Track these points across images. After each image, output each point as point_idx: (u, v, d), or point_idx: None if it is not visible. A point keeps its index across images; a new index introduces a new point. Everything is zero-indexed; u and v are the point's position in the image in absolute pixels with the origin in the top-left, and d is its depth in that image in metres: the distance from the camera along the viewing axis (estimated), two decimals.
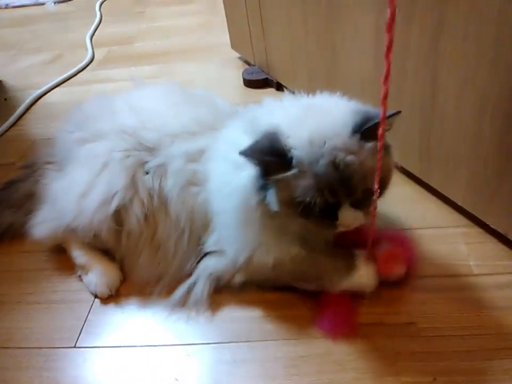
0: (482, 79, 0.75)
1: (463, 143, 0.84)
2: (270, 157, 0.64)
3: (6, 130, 1.44)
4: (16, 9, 2.60)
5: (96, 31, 2.08)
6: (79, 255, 0.91)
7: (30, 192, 1.00)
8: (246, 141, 0.67)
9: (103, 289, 0.86)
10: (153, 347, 0.79)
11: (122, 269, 0.90)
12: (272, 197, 0.67)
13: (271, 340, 0.76)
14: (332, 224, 0.66)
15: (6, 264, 0.97)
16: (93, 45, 1.93)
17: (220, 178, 0.78)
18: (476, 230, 0.90)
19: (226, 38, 1.60)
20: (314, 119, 0.66)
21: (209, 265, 0.82)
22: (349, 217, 0.65)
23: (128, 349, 0.79)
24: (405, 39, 0.86)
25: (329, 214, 0.65)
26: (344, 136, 0.64)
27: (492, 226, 0.86)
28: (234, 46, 1.60)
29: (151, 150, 0.85)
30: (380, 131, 0.59)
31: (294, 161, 0.64)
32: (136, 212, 0.83)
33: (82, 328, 0.83)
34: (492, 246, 0.86)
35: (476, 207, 0.88)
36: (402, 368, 0.70)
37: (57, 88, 1.66)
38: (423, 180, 0.99)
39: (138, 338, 0.81)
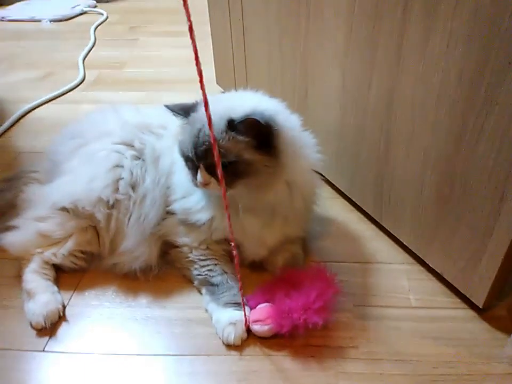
0: (425, 137, 0.87)
1: (409, 191, 0.96)
2: (178, 112, 0.87)
3: None
4: (12, 23, 2.66)
5: (89, 53, 2.17)
6: (29, 280, 0.93)
7: (12, 202, 1.05)
8: None
9: (39, 320, 0.88)
10: (117, 356, 0.85)
11: (110, 251, 0.98)
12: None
13: (228, 355, 0.83)
14: (196, 180, 0.84)
15: None
16: (85, 66, 2.02)
17: None
18: (417, 268, 1.00)
19: (212, 73, 1.71)
20: (223, 103, 0.85)
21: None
22: (201, 177, 0.82)
23: (94, 356, 0.85)
24: (364, 96, 0.99)
25: (194, 170, 0.84)
26: (219, 121, 0.80)
27: (431, 265, 0.97)
28: (219, 81, 1.71)
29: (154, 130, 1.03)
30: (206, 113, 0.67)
31: (188, 119, 0.86)
32: (126, 180, 0.96)
33: (51, 334, 0.88)
34: (431, 283, 0.97)
35: (418, 248, 1.00)
36: None
37: (46, 105, 1.72)
38: (376, 219, 1.10)
39: (105, 347, 0.86)
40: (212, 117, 0.78)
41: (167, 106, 0.88)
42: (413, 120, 0.89)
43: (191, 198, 0.93)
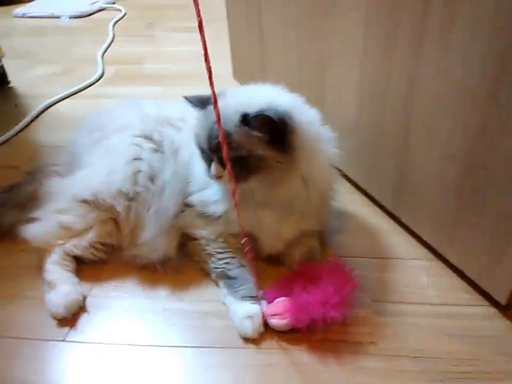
0: (446, 129, 0.86)
1: (429, 185, 0.94)
2: (196, 103, 0.88)
3: (14, 135, 1.52)
4: (32, 19, 2.72)
5: (108, 49, 2.19)
6: (50, 271, 0.95)
7: (34, 194, 1.07)
8: None
9: (59, 311, 0.89)
10: (136, 346, 0.86)
11: (130, 243, 0.99)
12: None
13: (245, 348, 0.84)
14: (210, 172, 0.85)
15: (6, 260, 1.04)
16: (104, 62, 2.04)
17: None
18: (437, 264, 0.99)
19: (229, 68, 1.72)
20: (239, 97, 0.85)
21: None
22: (214, 169, 0.83)
23: (114, 346, 0.86)
24: (383, 89, 0.97)
25: (208, 162, 0.85)
26: (233, 115, 0.80)
27: (451, 261, 0.96)
28: (236, 76, 1.71)
29: (172, 122, 1.04)
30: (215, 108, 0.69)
31: (204, 111, 0.87)
32: (145, 173, 0.98)
33: (72, 324, 0.89)
34: (450, 279, 0.95)
35: (438, 243, 0.98)
36: (361, 382, 0.77)
37: (66, 100, 1.75)
38: (394, 214, 1.09)
39: (124, 337, 0.87)
40: (227, 110, 0.80)
41: (185, 97, 0.89)
42: (434, 112, 0.87)
43: (208, 190, 0.93)
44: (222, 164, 0.82)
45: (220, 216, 0.92)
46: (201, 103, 0.88)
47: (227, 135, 0.77)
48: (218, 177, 0.84)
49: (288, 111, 0.81)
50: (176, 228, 0.97)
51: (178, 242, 0.98)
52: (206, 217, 0.94)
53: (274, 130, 0.79)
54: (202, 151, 0.86)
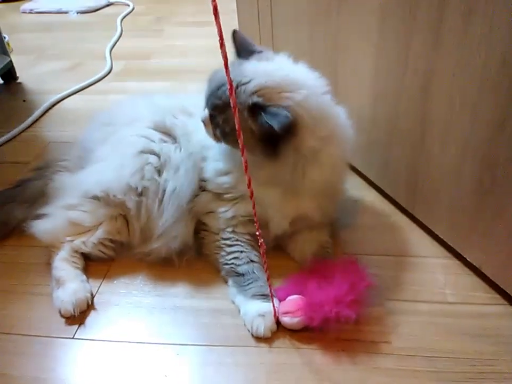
0: (465, 123, 0.83)
1: (446, 181, 0.92)
2: (238, 46, 0.88)
3: (23, 131, 1.52)
4: (40, 15, 2.71)
5: (116, 44, 2.18)
6: (58, 268, 0.94)
7: (43, 190, 1.06)
8: None
9: (67, 308, 0.88)
10: (146, 344, 0.84)
11: (140, 240, 0.98)
12: None
13: (257, 347, 0.82)
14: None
15: (15, 256, 1.03)
16: (112, 57, 2.03)
17: None
18: (453, 262, 0.96)
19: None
20: (261, 73, 0.83)
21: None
22: (204, 114, 0.87)
23: (123, 344, 0.85)
24: (399, 81, 0.95)
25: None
26: (244, 96, 0.80)
27: (468, 259, 0.93)
28: None
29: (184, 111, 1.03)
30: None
31: (235, 62, 0.87)
32: (153, 164, 0.97)
33: (81, 321, 0.88)
34: (467, 277, 0.93)
35: (454, 241, 0.96)
36: (375, 382, 0.76)
37: (74, 95, 1.74)
38: (409, 211, 1.06)
39: (133, 335, 0.86)
40: (243, 79, 0.81)
41: (234, 32, 0.89)
42: (452, 105, 0.84)
43: (219, 162, 0.94)
44: (211, 118, 0.86)
45: (231, 194, 0.92)
46: (242, 50, 0.88)
47: (228, 107, 0.77)
48: (205, 125, 0.87)
49: (298, 116, 0.79)
50: (193, 213, 0.96)
51: (194, 229, 0.97)
52: (220, 201, 0.93)
53: (271, 136, 0.78)
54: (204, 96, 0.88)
